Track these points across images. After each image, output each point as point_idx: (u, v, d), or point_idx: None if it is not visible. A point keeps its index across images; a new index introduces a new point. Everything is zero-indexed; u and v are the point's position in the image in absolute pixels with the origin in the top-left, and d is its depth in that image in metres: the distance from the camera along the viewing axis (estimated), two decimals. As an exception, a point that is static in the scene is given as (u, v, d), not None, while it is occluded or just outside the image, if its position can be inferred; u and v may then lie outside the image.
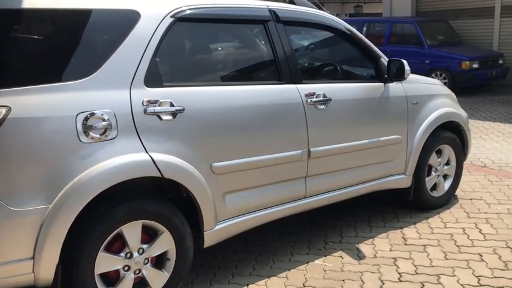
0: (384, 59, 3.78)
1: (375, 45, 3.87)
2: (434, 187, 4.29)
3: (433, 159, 4.19)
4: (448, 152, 4.31)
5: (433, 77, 10.95)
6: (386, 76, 3.73)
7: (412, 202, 4.19)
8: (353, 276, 3.17)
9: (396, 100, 3.82)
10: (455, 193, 4.55)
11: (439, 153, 4.27)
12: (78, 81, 2.46)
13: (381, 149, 3.76)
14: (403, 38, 11.89)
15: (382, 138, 3.74)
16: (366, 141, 3.64)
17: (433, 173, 4.23)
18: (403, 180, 3.98)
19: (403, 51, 11.41)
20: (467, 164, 5.53)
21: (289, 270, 3.28)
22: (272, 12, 3.25)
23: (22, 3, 2.42)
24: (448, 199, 4.39)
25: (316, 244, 3.65)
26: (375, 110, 3.70)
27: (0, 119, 2.22)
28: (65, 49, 2.53)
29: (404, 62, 3.63)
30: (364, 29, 12.77)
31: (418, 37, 11.36)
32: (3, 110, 2.24)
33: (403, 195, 4.14)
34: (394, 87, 3.82)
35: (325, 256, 3.47)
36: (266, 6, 3.25)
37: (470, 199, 4.51)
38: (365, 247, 3.59)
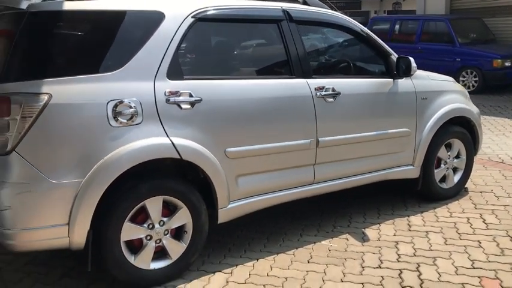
0: (394, 56, 4.01)
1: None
2: (443, 179, 4.48)
3: (442, 152, 4.39)
4: (458, 146, 4.49)
5: (463, 76, 10.98)
6: (395, 72, 3.97)
7: (420, 193, 4.41)
8: (355, 256, 3.45)
9: (405, 95, 4.05)
10: (466, 186, 4.72)
11: (450, 147, 4.47)
12: (109, 73, 2.84)
13: (388, 141, 4.01)
14: (435, 35, 11.89)
15: (390, 131, 3.98)
16: (374, 133, 3.89)
17: (442, 165, 4.43)
18: (411, 171, 4.21)
19: (434, 49, 11.47)
20: (485, 160, 5.68)
21: (296, 248, 3.58)
22: (286, 12, 3.55)
23: (64, 5, 2.82)
24: (457, 191, 4.58)
25: (325, 227, 3.94)
26: (383, 103, 3.95)
27: (43, 105, 2.62)
28: (99, 45, 2.92)
29: (411, 59, 3.87)
30: (397, 26, 12.84)
31: (450, 35, 11.35)
32: (46, 97, 2.64)
33: (412, 185, 4.36)
34: (404, 83, 4.05)
35: (332, 238, 3.75)
36: (280, 7, 3.56)
37: (481, 192, 4.68)
38: (370, 231, 3.86)
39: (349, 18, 3.94)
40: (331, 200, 4.43)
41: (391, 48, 4.07)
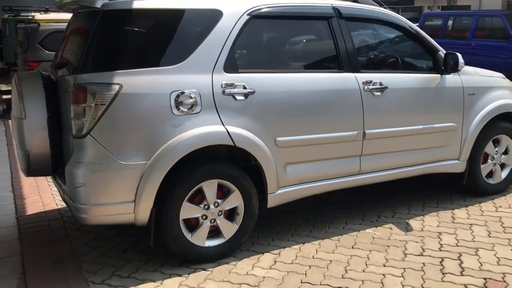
0: (442, 52, 4.10)
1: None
2: (490, 174, 4.52)
3: (490, 148, 4.43)
4: (506, 142, 4.51)
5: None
6: (443, 68, 4.06)
7: (466, 187, 4.47)
8: (398, 244, 3.59)
9: (452, 90, 4.13)
10: (514, 182, 4.73)
11: (498, 142, 4.49)
12: (172, 66, 3.12)
13: (434, 135, 4.10)
14: (490, 31, 11.60)
15: (436, 125, 4.08)
16: (420, 126, 4.00)
17: (489, 161, 4.47)
18: (457, 166, 4.28)
19: (489, 46, 11.20)
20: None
21: (341, 235, 3.76)
22: (335, 9, 3.73)
23: (134, 4, 3.12)
24: (504, 187, 4.60)
25: (369, 217, 4.10)
26: (430, 98, 4.05)
27: (114, 94, 2.94)
28: (164, 40, 3.21)
29: (459, 55, 3.95)
30: (450, 22, 12.61)
31: (506, 31, 11.03)
32: (117, 87, 2.95)
33: (458, 180, 4.43)
34: (451, 78, 4.13)
35: (376, 227, 3.90)
36: (330, 5, 3.73)
37: (529, 188, 4.68)
38: (414, 222, 3.97)
39: (398, 15, 4.06)
40: (377, 191, 4.58)
41: (444, 45, 4.17)
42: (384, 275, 3.15)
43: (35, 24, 9.68)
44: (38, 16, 10.70)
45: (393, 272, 3.18)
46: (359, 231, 3.83)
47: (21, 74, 3.41)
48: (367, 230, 3.84)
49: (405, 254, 3.42)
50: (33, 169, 3.29)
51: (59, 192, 3.54)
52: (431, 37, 4.23)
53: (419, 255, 3.41)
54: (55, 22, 9.83)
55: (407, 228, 3.86)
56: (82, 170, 2.95)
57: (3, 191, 4.90)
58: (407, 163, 4.05)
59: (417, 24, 12.77)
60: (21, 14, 12.41)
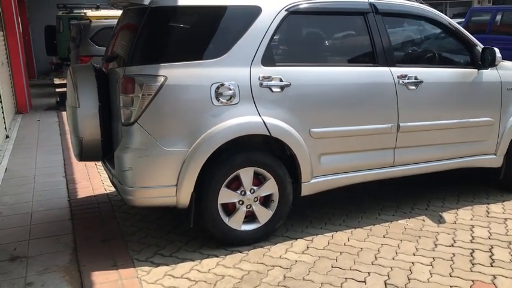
0: (479, 47, 4.11)
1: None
2: (528, 170, 4.48)
3: (528, 143, 4.39)
4: (545, 137, 4.46)
5: None
6: (480, 63, 4.07)
7: (503, 182, 4.46)
8: (429, 235, 3.67)
9: (489, 85, 4.14)
10: (554, 179, 4.66)
11: (537, 138, 4.45)
12: (213, 59, 3.32)
13: (470, 129, 4.12)
14: (541, 27, 11.21)
15: (472, 120, 4.10)
16: (455, 121, 4.04)
17: (527, 156, 4.44)
18: (493, 160, 4.28)
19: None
20: None
21: (374, 225, 3.87)
22: (372, 5, 3.82)
23: (178, 1, 3.33)
24: (543, 183, 4.55)
25: (403, 208, 4.18)
26: (466, 93, 4.08)
27: (160, 85, 3.16)
28: (205, 35, 3.41)
29: (497, 49, 3.95)
30: (498, 17, 12.26)
31: (557, 26, 10.67)
32: (162, 79, 3.18)
33: (495, 175, 4.43)
34: (489, 73, 4.14)
35: (409, 218, 3.98)
36: (367, 0, 3.83)
37: None
38: (447, 215, 4.02)
39: (435, 10, 4.10)
40: (411, 183, 4.64)
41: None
42: (413, 263, 3.25)
43: (87, 20, 10.17)
44: (90, 13, 11.23)
45: (422, 261, 3.27)
46: (391, 221, 3.92)
47: (76, 66, 3.70)
48: (399, 221, 3.93)
49: (436, 245, 3.50)
50: (85, 154, 3.58)
51: (108, 176, 3.83)
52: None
53: (449, 246, 3.48)
54: (105, 19, 10.30)
55: (440, 221, 3.91)
56: (130, 155, 3.20)
57: (57, 177, 5.27)
58: (442, 157, 4.09)
59: (463, 19, 12.50)
60: (74, 11, 13.02)
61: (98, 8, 12.28)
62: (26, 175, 5.38)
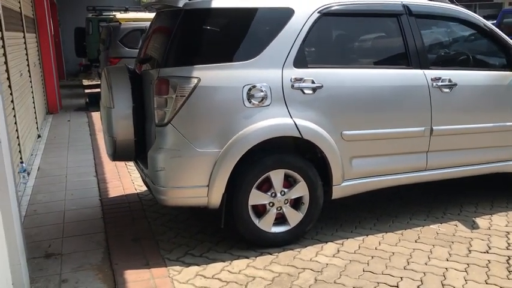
0: (516, 49, 4.02)
1: None
2: None
3: None
4: None
5: None
6: (517, 65, 3.99)
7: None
8: (462, 240, 3.60)
9: (526, 88, 4.04)
10: None
11: None
12: (246, 61, 3.33)
13: (506, 133, 4.03)
14: None
15: (508, 123, 4.01)
16: (490, 124, 3.95)
17: None
18: (529, 166, 4.18)
19: None
20: None
21: (405, 229, 3.81)
22: (405, 7, 3.78)
23: (212, 3, 3.36)
24: None
25: (435, 213, 4.11)
26: (502, 96, 3.99)
27: (193, 86, 3.19)
28: (238, 37, 3.42)
29: (535, 52, 3.86)
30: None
31: None
32: (196, 80, 3.20)
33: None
34: (525, 76, 4.04)
35: (441, 223, 3.91)
36: (400, 2, 3.79)
37: None
38: (481, 221, 3.94)
39: (470, 12, 4.03)
40: (443, 188, 4.57)
41: None
42: (446, 268, 3.19)
43: (116, 23, 10.35)
44: (119, 15, 11.42)
45: (456, 267, 3.21)
46: (423, 226, 3.86)
47: (111, 68, 3.76)
48: (431, 226, 3.86)
49: (470, 251, 3.43)
50: (119, 154, 3.63)
51: (141, 175, 3.88)
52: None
53: (484, 252, 3.41)
54: (134, 21, 10.46)
55: (474, 226, 3.84)
56: (162, 156, 3.23)
57: (88, 176, 5.37)
58: (476, 161, 4.01)
59: (495, 21, 12.25)
60: (103, 14, 13.27)
61: (126, 10, 12.49)
62: (58, 174, 5.49)
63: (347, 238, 3.67)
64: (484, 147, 4.00)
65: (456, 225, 3.87)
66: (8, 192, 2.66)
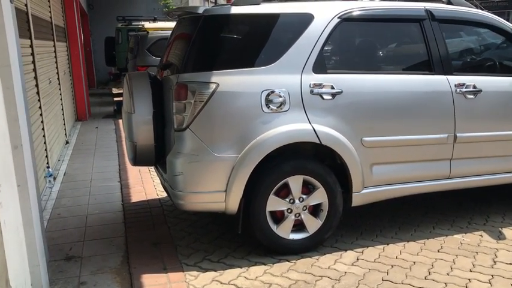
0: (544, 54, 3.90)
1: None
2: None
3: None
4: None
5: None
6: (544, 71, 3.86)
7: None
8: (487, 251, 3.48)
9: (555, 95, 3.90)
10: None
11: None
12: (264, 67, 3.33)
13: (534, 141, 3.90)
14: None
15: (535, 131, 3.88)
16: (517, 132, 3.84)
17: None
18: (559, 175, 4.02)
19: None
20: None
21: (427, 239, 3.72)
22: (428, 12, 3.71)
23: (232, 9, 3.38)
24: None
25: (459, 223, 4.00)
26: (529, 103, 3.86)
27: (212, 91, 3.20)
28: (257, 43, 3.43)
29: None
30: None
31: None
32: (214, 86, 3.22)
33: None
34: (554, 82, 3.90)
35: (465, 233, 3.80)
36: (423, 7, 3.73)
37: None
38: (508, 231, 3.81)
39: (496, 17, 3.93)
40: (468, 197, 4.44)
41: None
42: (469, 279, 3.09)
43: (144, 32, 10.54)
44: (147, 25, 11.63)
45: (480, 278, 3.11)
46: (446, 236, 3.76)
47: (132, 74, 3.82)
48: (455, 236, 3.76)
49: (494, 262, 3.32)
50: (139, 159, 3.67)
51: (160, 180, 3.91)
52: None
53: (510, 263, 3.29)
54: (161, 30, 10.63)
55: (500, 237, 3.71)
56: (181, 160, 3.25)
57: (112, 181, 5.45)
58: (502, 169, 3.90)
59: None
60: (133, 23, 13.53)
61: (155, 20, 12.71)
62: (83, 179, 5.59)
63: (367, 246, 3.60)
64: (510, 155, 3.88)
65: (481, 235, 3.76)
66: (28, 195, 2.71)
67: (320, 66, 3.40)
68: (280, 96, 3.29)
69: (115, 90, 15.95)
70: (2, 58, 2.48)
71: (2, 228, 2.20)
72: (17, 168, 2.63)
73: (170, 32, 9.26)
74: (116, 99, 13.68)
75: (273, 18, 3.44)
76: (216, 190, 3.27)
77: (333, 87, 3.39)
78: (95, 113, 10.89)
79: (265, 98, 3.27)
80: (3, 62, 2.49)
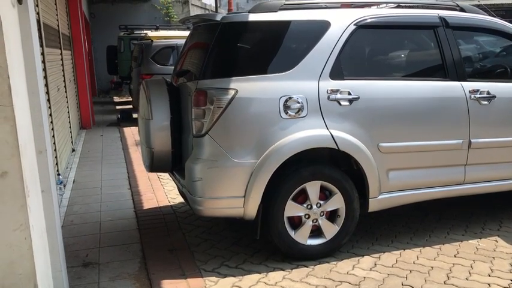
0: (557, 61, 3.95)
1: None
2: None
3: None
4: None
5: None
6: (557, 77, 3.90)
7: None
8: (504, 256, 3.50)
9: None
10: None
11: None
12: (282, 73, 3.35)
13: (547, 147, 3.93)
14: None
15: (549, 137, 3.91)
16: (531, 137, 3.86)
17: None
18: None
19: None
20: None
21: (443, 244, 3.73)
22: (442, 19, 3.76)
23: (249, 17, 3.41)
24: None
25: (473, 228, 4.01)
26: (542, 109, 3.90)
27: (231, 98, 3.22)
28: (275, 50, 3.46)
29: None
30: None
31: None
32: (233, 92, 3.24)
33: None
34: None
35: (480, 238, 3.82)
36: (437, 14, 3.77)
37: None
38: (523, 236, 3.84)
39: (508, 24, 3.98)
40: (482, 202, 4.46)
41: None
42: (489, 284, 3.10)
43: (148, 40, 10.58)
44: (150, 33, 11.67)
45: (499, 283, 3.11)
46: (462, 241, 3.77)
47: (149, 81, 3.84)
48: (470, 241, 3.77)
49: (512, 266, 3.34)
50: (156, 165, 3.68)
51: (177, 186, 3.91)
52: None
53: (528, 268, 3.31)
54: (164, 39, 10.68)
55: (515, 242, 3.74)
56: (200, 166, 3.26)
57: (122, 189, 5.45)
58: (516, 175, 3.92)
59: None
60: (135, 32, 13.58)
61: (157, 28, 12.76)
62: (92, 186, 5.59)
63: (383, 252, 3.61)
64: (525, 161, 3.91)
65: (496, 240, 3.77)
66: (52, 200, 2.72)
67: (337, 73, 3.43)
68: (298, 102, 3.31)
69: (117, 99, 15.98)
70: (29, 64, 2.50)
71: (32, 232, 2.21)
72: (41, 173, 2.64)
73: (174, 40, 9.27)
74: (118, 107, 13.69)
75: (291, 25, 3.47)
76: (234, 196, 3.28)
77: (350, 93, 3.41)
78: (98, 121, 10.89)
79: (283, 104, 3.29)
80: (30, 68, 2.51)
